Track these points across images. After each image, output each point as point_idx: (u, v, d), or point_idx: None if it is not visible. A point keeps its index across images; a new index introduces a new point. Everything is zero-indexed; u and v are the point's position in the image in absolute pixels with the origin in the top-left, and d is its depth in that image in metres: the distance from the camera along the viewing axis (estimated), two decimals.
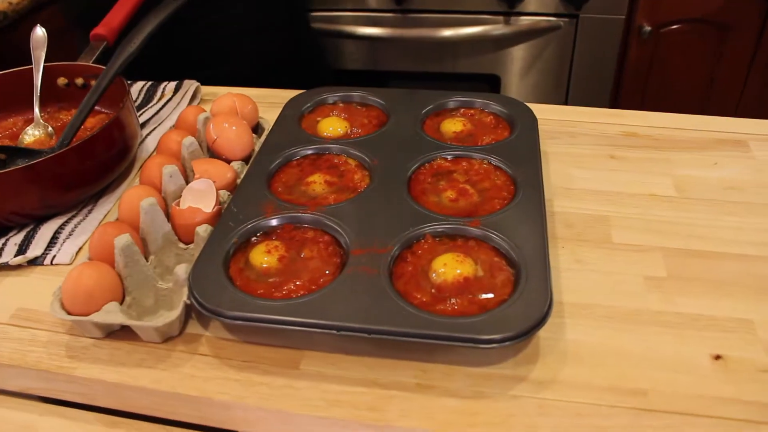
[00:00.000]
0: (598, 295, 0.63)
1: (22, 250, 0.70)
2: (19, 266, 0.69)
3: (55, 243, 0.71)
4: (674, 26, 1.46)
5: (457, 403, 0.54)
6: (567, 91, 1.57)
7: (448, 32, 1.51)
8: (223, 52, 1.16)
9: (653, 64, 1.52)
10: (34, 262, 0.69)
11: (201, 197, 0.68)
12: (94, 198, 0.78)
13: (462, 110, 0.83)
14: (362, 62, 1.64)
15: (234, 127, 0.76)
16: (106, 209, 0.76)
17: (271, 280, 0.60)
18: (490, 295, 0.57)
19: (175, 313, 0.58)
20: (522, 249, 0.60)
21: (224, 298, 0.57)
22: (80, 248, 0.71)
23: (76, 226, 0.73)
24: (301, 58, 1.28)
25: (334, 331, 0.54)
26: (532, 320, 0.54)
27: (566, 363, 0.57)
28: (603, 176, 0.78)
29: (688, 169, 0.79)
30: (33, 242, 0.71)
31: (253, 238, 0.64)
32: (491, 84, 1.59)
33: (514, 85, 1.57)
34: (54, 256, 0.70)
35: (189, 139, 0.74)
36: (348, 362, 0.57)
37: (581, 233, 0.70)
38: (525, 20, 1.49)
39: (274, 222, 0.65)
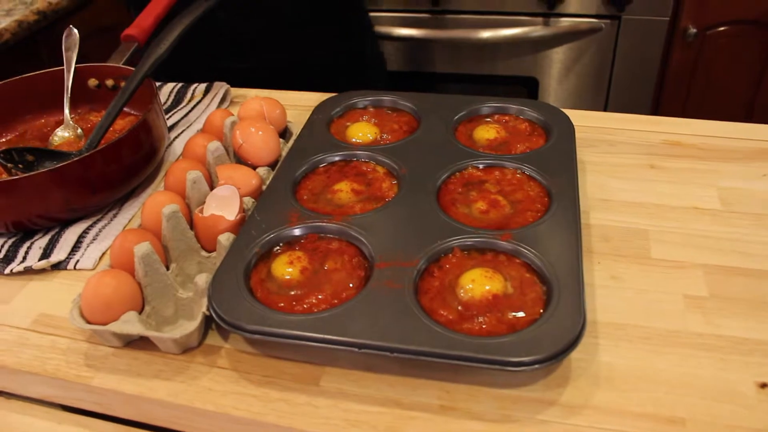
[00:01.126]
0: (635, 314, 0.60)
1: (46, 254, 0.70)
2: (42, 270, 0.69)
3: (80, 247, 0.71)
4: (721, 28, 1.40)
5: (481, 426, 0.51)
6: (607, 95, 1.52)
7: (486, 33, 1.48)
8: (279, 42, 1.14)
9: (697, 68, 1.47)
10: (57, 266, 0.69)
11: (225, 204, 0.67)
12: (120, 202, 0.77)
13: (496, 116, 0.80)
14: (399, 64, 1.62)
15: (260, 132, 0.74)
16: (131, 213, 0.76)
17: (292, 292, 0.58)
18: (520, 314, 0.55)
19: (194, 324, 0.56)
20: (555, 265, 0.57)
21: (243, 311, 0.55)
22: (103, 253, 0.71)
23: (100, 231, 0.73)
24: (360, 58, 1.24)
25: (355, 349, 0.52)
26: (564, 342, 0.51)
27: (599, 387, 0.54)
28: (643, 187, 0.75)
29: (734, 181, 0.75)
30: (57, 246, 0.71)
31: (276, 248, 0.63)
32: (529, 87, 1.55)
33: (553, 88, 1.53)
34: (77, 261, 0.69)
35: (214, 144, 0.72)
36: (369, 380, 0.55)
37: (618, 248, 0.67)
38: (565, 22, 1.45)
39: (297, 232, 0.64)
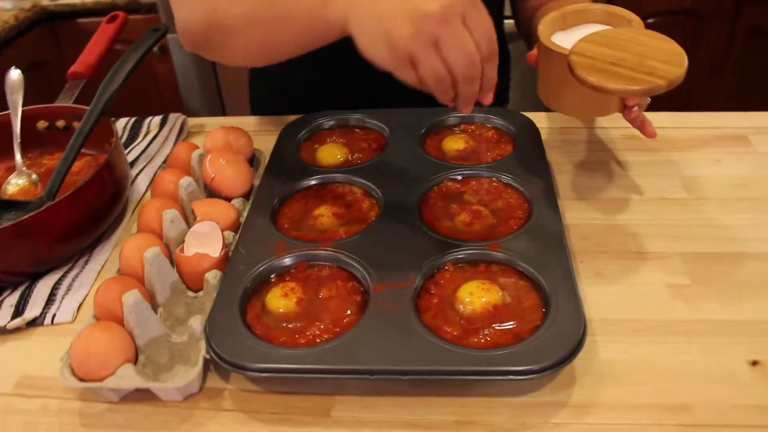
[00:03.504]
0: (624, 308, 0.62)
1: (19, 311, 0.66)
2: (17, 329, 0.66)
3: (54, 300, 0.68)
4: (652, 19, 1.47)
5: None
6: None
7: None
8: None
9: None
10: (33, 323, 0.66)
11: (206, 241, 0.65)
12: (89, 247, 0.74)
13: (462, 126, 0.81)
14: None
15: (231, 163, 0.73)
16: (103, 258, 0.73)
17: (291, 325, 0.57)
18: (521, 323, 0.55)
19: (196, 370, 0.55)
20: (547, 270, 0.59)
21: (246, 349, 0.54)
22: (81, 304, 0.68)
23: (74, 280, 0.70)
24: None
25: (368, 376, 0.52)
26: (570, 346, 0.52)
27: (604, 383, 0.55)
28: (611, 183, 0.77)
29: (694, 169, 0.78)
30: (30, 301, 0.67)
31: (271, 279, 0.62)
32: None
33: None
34: (54, 315, 0.66)
35: (186, 180, 0.71)
36: (381, 404, 0.55)
37: (598, 244, 0.69)
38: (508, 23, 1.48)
39: (286, 262, 0.63)
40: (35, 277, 0.70)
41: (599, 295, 0.63)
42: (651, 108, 0.72)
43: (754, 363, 0.56)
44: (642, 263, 0.66)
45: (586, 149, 0.83)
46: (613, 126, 0.87)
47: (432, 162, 0.74)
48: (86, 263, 0.72)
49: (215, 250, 0.64)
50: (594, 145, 0.84)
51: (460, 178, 0.72)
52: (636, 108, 0.67)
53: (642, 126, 0.70)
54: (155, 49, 1.78)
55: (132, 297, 0.57)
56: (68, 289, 0.69)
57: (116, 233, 0.76)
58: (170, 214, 0.66)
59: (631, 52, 0.62)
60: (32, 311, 0.66)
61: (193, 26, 0.69)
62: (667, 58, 0.61)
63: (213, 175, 0.72)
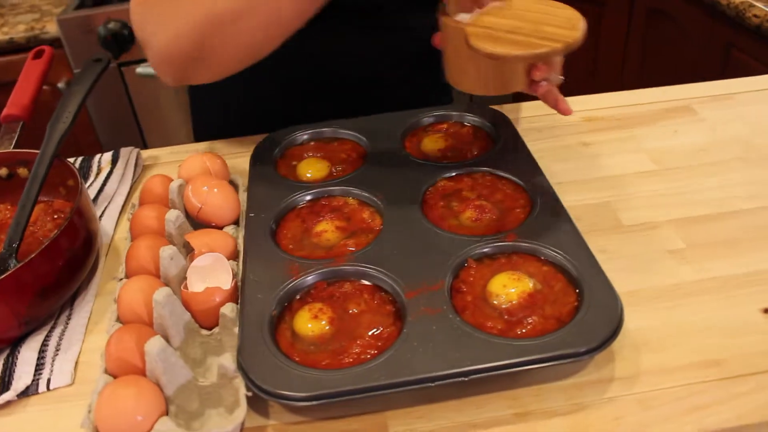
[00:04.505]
0: (636, 279, 0.64)
1: (5, 383, 0.59)
2: (8, 403, 0.59)
3: (43, 365, 0.61)
4: None
5: (562, 421, 0.52)
6: None
7: None
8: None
9: None
10: (25, 393, 0.59)
11: (209, 274, 0.62)
12: (69, 301, 0.68)
13: (436, 126, 0.81)
14: None
15: (216, 190, 0.69)
16: (87, 310, 0.67)
17: (330, 347, 0.55)
18: (558, 306, 0.56)
19: (241, 410, 0.51)
20: (569, 253, 0.60)
21: (293, 378, 0.51)
22: (75, 362, 0.62)
23: (60, 339, 0.64)
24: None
25: (429, 384, 0.51)
26: (613, 323, 0.53)
27: (641, 352, 0.57)
28: (584, 164, 0.80)
29: (656, 141, 0.83)
30: (17, 371, 0.60)
31: (293, 303, 0.59)
32: None
33: None
34: (49, 380, 0.60)
35: (174, 213, 0.66)
36: (436, 411, 0.54)
37: (593, 224, 0.71)
38: None
39: (306, 282, 0.60)
40: (16, 343, 0.63)
41: (609, 270, 0.64)
42: (567, 93, 0.75)
43: (766, 311, 0.60)
44: (637, 234, 0.69)
45: (551, 135, 0.86)
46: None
47: (420, 163, 0.74)
48: (69, 318, 0.66)
49: (225, 283, 0.61)
50: (557, 131, 0.87)
51: (453, 174, 0.72)
52: (544, 83, 0.67)
53: (555, 103, 0.70)
54: (60, 84, 1.67)
55: (156, 344, 0.52)
56: (57, 350, 0.63)
57: (94, 282, 0.70)
58: (168, 251, 0.62)
59: (527, 20, 0.62)
60: (22, 380, 0.59)
61: (179, 47, 0.65)
62: (563, 24, 0.62)
63: (200, 205, 0.68)
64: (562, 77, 0.70)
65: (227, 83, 0.73)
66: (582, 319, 0.54)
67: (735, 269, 0.64)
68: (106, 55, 0.82)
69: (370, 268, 0.60)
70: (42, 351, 0.62)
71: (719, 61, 1.44)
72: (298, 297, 0.60)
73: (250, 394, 0.53)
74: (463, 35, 0.61)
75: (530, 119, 0.89)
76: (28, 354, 0.62)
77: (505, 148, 0.75)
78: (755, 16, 1.32)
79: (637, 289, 0.63)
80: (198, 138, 1.01)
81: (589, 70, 1.64)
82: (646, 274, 0.64)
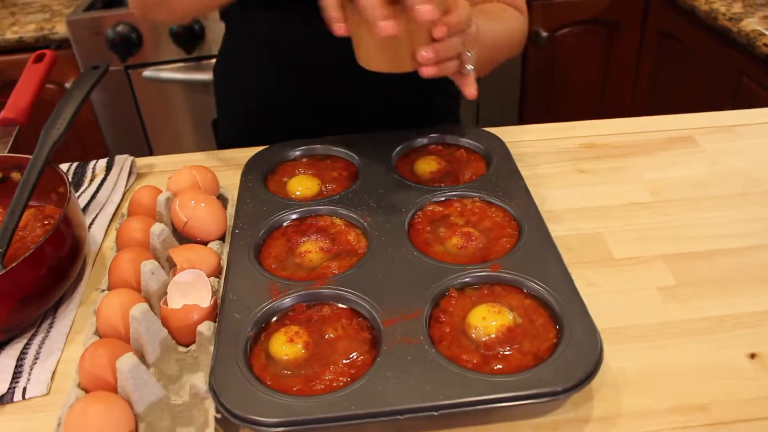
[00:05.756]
0: (622, 316, 0.63)
1: None
2: None
3: (21, 372, 0.61)
4: (567, 29, 1.53)
5: None
6: (478, 106, 1.60)
7: None
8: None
9: (553, 68, 1.59)
10: (0, 400, 0.59)
11: (189, 291, 0.61)
12: (52, 309, 0.68)
13: (430, 147, 0.81)
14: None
15: (203, 204, 0.69)
16: (69, 319, 0.67)
17: (303, 372, 0.54)
18: (537, 342, 0.55)
19: None
20: (552, 287, 0.59)
21: (262, 403, 0.51)
22: (53, 372, 0.62)
23: (40, 347, 0.64)
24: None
25: (399, 417, 0.50)
26: (592, 362, 0.52)
27: (622, 393, 0.56)
28: (579, 192, 0.79)
29: (653, 172, 0.82)
30: None
31: (270, 324, 0.59)
32: None
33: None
34: (24, 389, 0.60)
35: (159, 227, 0.66)
36: None
37: (582, 255, 0.70)
38: None
39: (284, 304, 0.60)
40: None
41: (596, 306, 0.63)
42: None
43: (753, 356, 0.58)
44: (627, 269, 0.68)
45: (548, 161, 0.85)
46: (569, 136, 0.89)
47: (410, 186, 0.73)
48: (51, 326, 0.66)
49: (204, 300, 0.60)
50: (555, 156, 0.86)
51: (443, 199, 0.71)
52: (454, 61, 0.64)
53: (464, 83, 0.67)
54: (68, 84, 1.68)
55: (128, 361, 0.52)
56: (36, 358, 0.63)
57: (78, 290, 0.70)
58: (150, 266, 0.61)
59: None
60: None
61: None
62: None
63: (186, 220, 0.68)
64: (471, 66, 0.66)
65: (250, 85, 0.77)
66: (560, 357, 0.53)
67: (725, 310, 0.62)
68: (104, 63, 0.82)
69: (349, 292, 0.60)
70: (20, 359, 0.62)
71: (731, 89, 1.42)
72: (275, 319, 0.59)
73: (219, 416, 0.52)
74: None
75: (526, 143, 0.88)
76: (6, 361, 0.62)
77: (497, 174, 0.74)
78: (765, 45, 1.31)
79: (622, 326, 0.62)
80: (220, 138, 1.04)
81: (598, 94, 1.62)
82: (633, 311, 0.63)
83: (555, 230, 0.73)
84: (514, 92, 1.59)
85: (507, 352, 0.54)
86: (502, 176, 0.74)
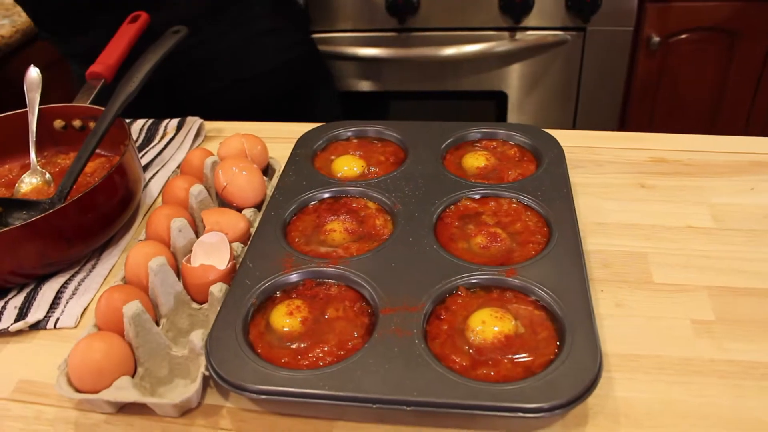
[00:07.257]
0: (645, 343, 0.59)
1: (22, 314, 0.65)
2: (19, 332, 0.65)
3: (58, 304, 0.67)
4: (683, 35, 1.43)
5: None
6: (576, 106, 1.53)
7: (451, 50, 1.47)
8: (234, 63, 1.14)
9: (662, 75, 1.49)
10: (36, 326, 0.65)
11: (213, 252, 0.64)
12: (98, 251, 0.73)
13: (483, 142, 0.79)
14: (363, 84, 1.60)
15: (244, 172, 0.71)
16: (110, 263, 0.72)
17: (294, 345, 0.55)
18: (534, 356, 0.53)
19: (194, 387, 0.53)
20: (564, 301, 0.56)
21: (246, 370, 0.52)
22: (85, 309, 0.66)
23: (79, 284, 0.69)
24: (309, 81, 1.24)
25: (370, 405, 0.49)
26: (583, 384, 0.49)
27: (620, 424, 0.52)
28: (635, 208, 0.74)
29: (724, 197, 0.75)
30: (34, 304, 0.66)
31: (276, 295, 0.60)
32: (498, 101, 1.55)
33: (520, 102, 1.53)
34: (57, 320, 0.65)
35: (197, 188, 0.69)
36: None
37: (619, 273, 0.66)
38: (531, 35, 1.45)
39: (293, 278, 0.61)
40: (41, 280, 0.69)
41: (619, 328, 0.60)
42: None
43: None
44: (665, 295, 0.63)
45: (611, 170, 0.80)
46: (640, 147, 0.83)
47: (452, 180, 0.72)
48: (93, 267, 0.71)
49: (222, 263, 0.63)
50: (619, 167, 0.81)
51: (478, 197, 0.69)
52: None
53: None
54: None
55: (133, 308, 0.55)
56: (73, 294, 0.68)
57: (125, 238, 0.75)
58: (178, 223, 0.64)
59: None
60: (36, 314, 0.65)
61: None
62: None
63: (225, 184, 0.71)
64: None
65: None
66: (549, 375, 0.50)
67: (759, 357, 0.57)
68: (184, 28, 0.86)
69: (358, 275, 0.60)
70: (60, 292, 0.68)
71: None
72: (283, 290, 0.60)
73: (206, 373, 0.54)
74: None
75: (594, 150, 0.84)
76: (47, 293, 0.68)
77: (544, 177, 0.71)
78: None
79: (641, 355, 0.58)
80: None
81: (710, 110, 1.50)
82: (658, 341, 0.59)
83: (597, 243, 0.69)
84: (617, 96, 1.51)
85: (498, 361, 0.52)
86: (548, 180, 0.71)
